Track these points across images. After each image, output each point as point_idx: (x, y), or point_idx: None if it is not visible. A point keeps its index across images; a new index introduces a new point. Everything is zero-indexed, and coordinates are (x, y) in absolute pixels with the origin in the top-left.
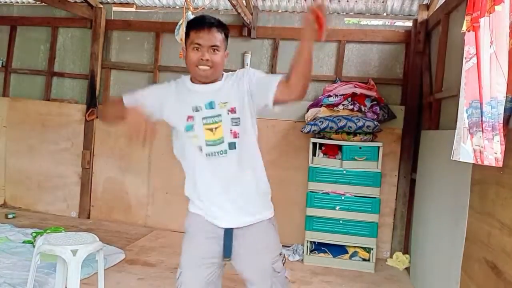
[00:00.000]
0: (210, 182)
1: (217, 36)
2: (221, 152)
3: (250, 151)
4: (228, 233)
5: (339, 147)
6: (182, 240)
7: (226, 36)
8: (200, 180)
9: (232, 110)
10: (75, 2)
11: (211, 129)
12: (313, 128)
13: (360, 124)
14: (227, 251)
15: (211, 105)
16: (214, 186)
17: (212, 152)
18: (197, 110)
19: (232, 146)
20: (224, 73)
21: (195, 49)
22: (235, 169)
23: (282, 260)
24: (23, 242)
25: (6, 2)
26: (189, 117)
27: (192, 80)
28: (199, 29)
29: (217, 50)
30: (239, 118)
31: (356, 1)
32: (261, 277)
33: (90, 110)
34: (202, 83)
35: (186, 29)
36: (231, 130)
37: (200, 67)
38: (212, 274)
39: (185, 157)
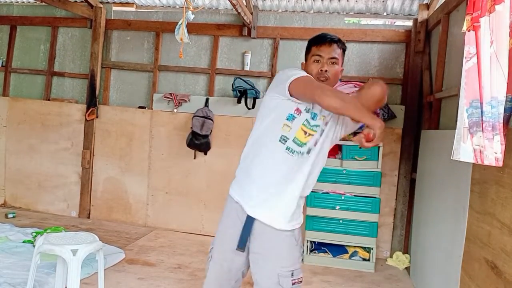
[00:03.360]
0: (274, 171)
1: (336, 50)
2: (300, 153)
3: (316, 165)
4: (249, 222)
5: (339, 147)
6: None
7: (344, 52)
8: (267, 164)
9: (326, 124)
10: (75, 1)
11: (305, 132)
12: None
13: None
14: (241, 241)
15: (314, 116)
16: (274, 176)
17: (293, 149)
18: (307, 111)
19: (308, 152)
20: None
21: (315, 61)
22: (293, 173)
23: (293, 279)
24: (23, 242)
25: (6, 2)
26: (297, 110)
27: None
28: (321, 43)
29: (335, 63)
30: (324, 130)
31: (356, 1)
32: (265, 281)
33: (90, 110)
34: None
35: (307, 44)
36: (316, 140)
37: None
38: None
39: (267, 139)
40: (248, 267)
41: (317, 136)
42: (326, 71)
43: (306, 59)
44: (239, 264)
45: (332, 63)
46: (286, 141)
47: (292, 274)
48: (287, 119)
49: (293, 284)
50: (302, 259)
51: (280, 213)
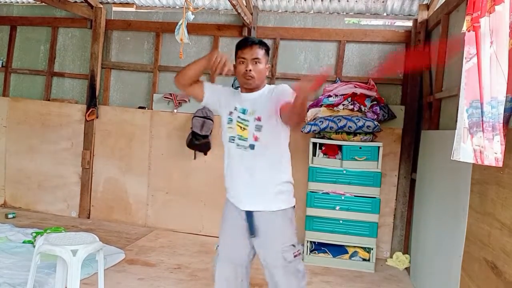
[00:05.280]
0: (237, 167)
1: (258, 51)
2: (245, 148)
3: (268, 155)
4: (249, 215)
5: (339, 147)
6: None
7: (267, 52)
8: (231, 164)
9: (258, 118)
10: (75, 2)
11: (241, 127)
12: (313, 128)
13: (360, 124)
14: (251, 230)
15: (244, 111)
16: (239, 171)
17: (240, 145)
18: (236, 110)
19: (251, 147)
20: (267, 85)
21: (240, 62)
22: (254, 164)
23: (294, 252)
24: (23, 242)
25: (6, 2)
26: (230, 113)
27: (241, 87)
28: (243, 47)
29: (258, 62)
30: (262, 125)
31: (356, 1)
32: (272, 260)
33: (90, 110)
34: (246, 90)
35: (235, 49)
36: (253, 134)
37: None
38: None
39: (224, 143)
40: (250, 263)
41: (252, 131)
42: (250, 70)
43: (235, 62)
44: (244, 255)
45: (256, 63)
46: (234, 139)
47: (293, 247)
48: (228, 123)
49: (295, 256)
50: (302, 259)
51: (263, 198)
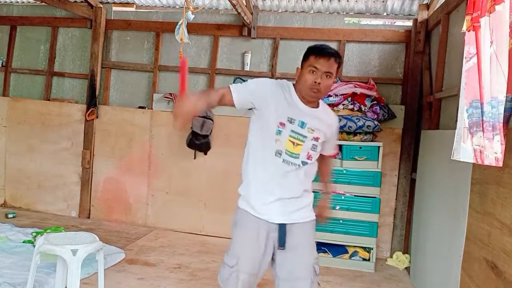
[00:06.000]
0: (279, 183)
1: (333, 65)
2: (294, 164)
3: (313, 170)
4: (282, 226)
5: (339, 147)
6: (234, 233)
7: (339, 66)
8: (267, 178)
9: (316, 139)
10: (75, 1)
11: (293, 142)
12: None
13: (360, 123)
14: (282, 242)
15: (302, 125)
16: (282, 187)
17: (288, 161)
18: (290, 122)
19: (304, 164)
20: (320, 101)
21: (311, 71)
22: (298, 181)
23: (319, 264)
24: (23, 242)
25: (6, 2)
26: (281, 124)
27: (297, 94)
28: (320, 56)
29: (329, 77)
30: (317, 146)
31: (356, 1)
32: (301, 272)
33: (90, 110)
34: (307, 102)
35: (306, 51)
36: (308, 153)
37: (312, 89)
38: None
39: (264, 153)
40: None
41: (307, 149)
42: (319, 83)
43: (302, 66)
44: (265, 265)
45: (327, 76)
46: (280, 154)
47: (317, 259)
48: (277, 134)
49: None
50: None
51: (301, 209)
